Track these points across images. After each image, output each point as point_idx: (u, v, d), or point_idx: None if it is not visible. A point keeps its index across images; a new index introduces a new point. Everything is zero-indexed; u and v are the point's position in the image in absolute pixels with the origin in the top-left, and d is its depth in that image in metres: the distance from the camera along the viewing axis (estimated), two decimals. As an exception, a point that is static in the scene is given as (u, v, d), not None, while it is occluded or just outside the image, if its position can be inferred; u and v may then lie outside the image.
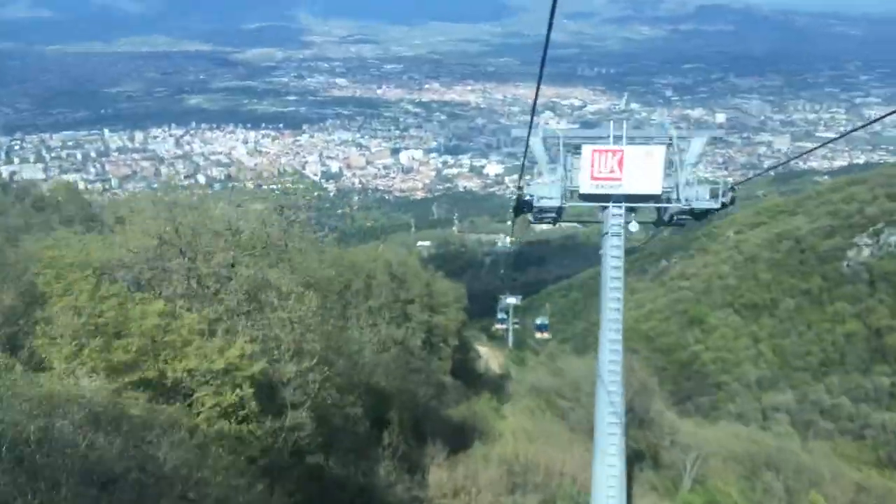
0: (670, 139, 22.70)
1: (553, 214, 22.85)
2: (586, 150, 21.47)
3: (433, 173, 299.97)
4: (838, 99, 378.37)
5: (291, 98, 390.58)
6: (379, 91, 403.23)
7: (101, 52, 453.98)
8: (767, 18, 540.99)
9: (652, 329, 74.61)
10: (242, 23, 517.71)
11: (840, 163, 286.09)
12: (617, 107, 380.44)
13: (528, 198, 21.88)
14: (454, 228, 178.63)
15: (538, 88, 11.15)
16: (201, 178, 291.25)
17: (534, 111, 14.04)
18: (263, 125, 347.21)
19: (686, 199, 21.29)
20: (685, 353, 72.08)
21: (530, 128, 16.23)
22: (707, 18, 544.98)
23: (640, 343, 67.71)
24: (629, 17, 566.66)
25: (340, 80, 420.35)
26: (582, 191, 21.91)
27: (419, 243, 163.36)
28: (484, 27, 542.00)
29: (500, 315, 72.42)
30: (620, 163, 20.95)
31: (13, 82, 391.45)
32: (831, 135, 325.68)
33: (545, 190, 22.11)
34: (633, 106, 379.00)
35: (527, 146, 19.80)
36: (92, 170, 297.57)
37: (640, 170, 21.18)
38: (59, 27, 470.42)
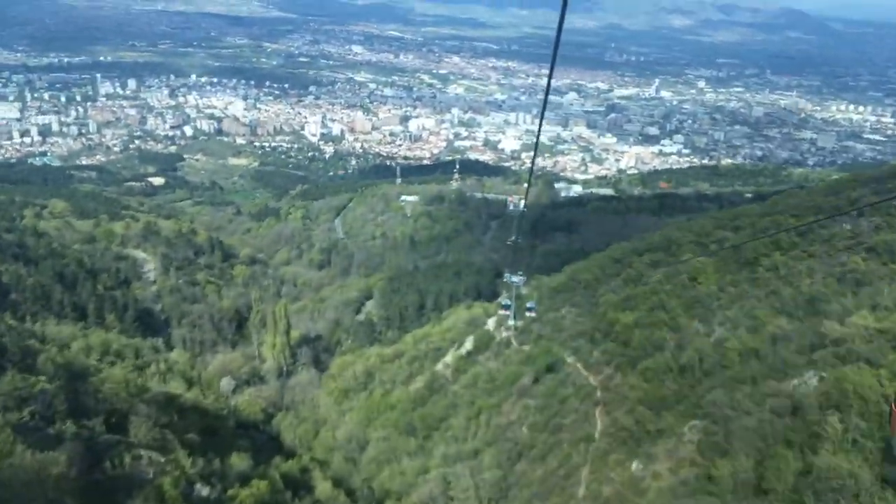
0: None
1: None
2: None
3: (444, 143, 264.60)
4: (883, 103, 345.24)
5: (302, 59, 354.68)
6: (395, 59, 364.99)
7: (115, 4, 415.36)
8: (803, 21, 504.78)
9: None
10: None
11: None
12: (646, 93, 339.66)
13: None
14: (453, 182, 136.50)
15: (552, 68, 8.98)
16: (188, 130, 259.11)
17: (548, 91, 10.88)
18: (268, 83, 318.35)
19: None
20: None
21: (544, 107, 11.47)
22: (741, 16, 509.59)
23: None
24: (660, 7, 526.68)
25: (356, 48, 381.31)
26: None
27: (403, 198, 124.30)
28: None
29: (504, 301, 51.58)
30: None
31: (16, 25, 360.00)
32: (879, 137, 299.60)
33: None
34: (664, 94, 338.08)
35: (541, 122, 13.00)
36: (73, 113, 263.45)
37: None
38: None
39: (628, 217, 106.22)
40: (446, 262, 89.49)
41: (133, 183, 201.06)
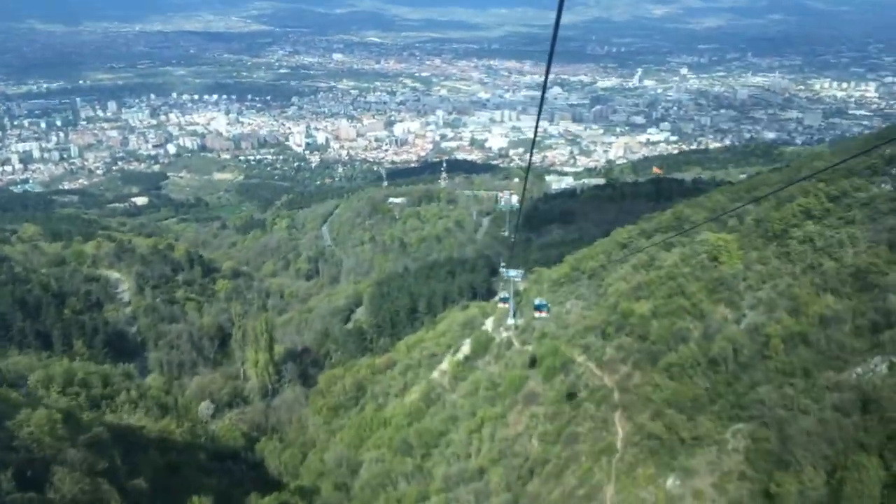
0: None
1: None
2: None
3: (430, 146, 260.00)
4: (866, 78, 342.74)
5: (283, 71, 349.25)
6: (377, 66, 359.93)
7: (92, 29, 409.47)
8: (782, 3, 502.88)
9: None
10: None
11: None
12: (629, 83, 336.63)
13: None
14: (441, 181, 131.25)
15: (548, 66, 9.35)
16: (171, 148, 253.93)
17: (544, 90, 10.68)
18: (250, 97, 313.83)
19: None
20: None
21: (542, 99, 11.45)
22: (721, 2, 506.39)
23: None
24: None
25: (337, 56, 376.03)
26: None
27: (391, 200, 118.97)
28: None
29: (502, 294, 47.32)
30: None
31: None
32: (864, 112, 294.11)
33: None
34: (647, 83, 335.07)
35: (538, 115, 12.26)
36: (53, 139, 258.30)
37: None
38: (54, 5, 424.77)
39: (624, 204, 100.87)
40: (438, 261, 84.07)
41: (116, 204, 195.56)
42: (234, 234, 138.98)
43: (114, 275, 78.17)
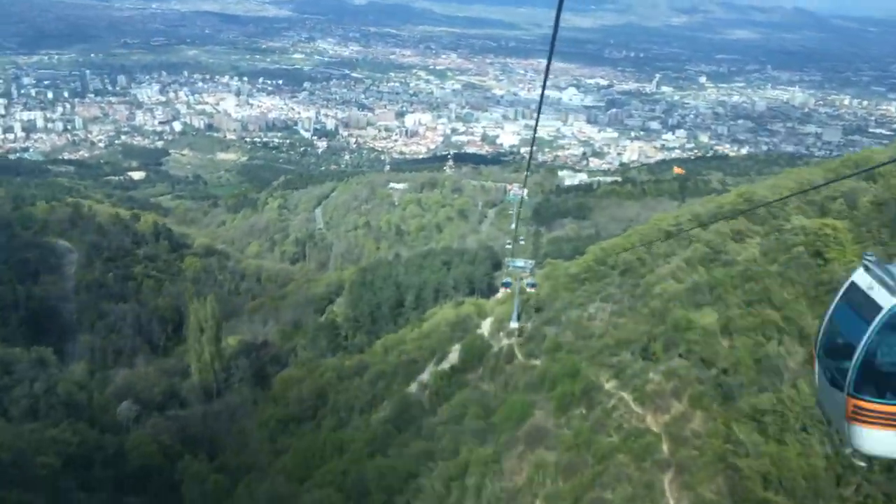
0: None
1: None
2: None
3: (440, 138, 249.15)
4: (887, 97, 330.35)
5: (298, 56, 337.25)
6: (392, 56, 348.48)
7: (108, 4, 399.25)
8: (804, 18, 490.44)
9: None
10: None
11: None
12: (646, 89, 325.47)
13: None
14: (446, 168, 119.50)
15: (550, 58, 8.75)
16: (177, 126, 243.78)
17: (545, 82, 10.95)
18: (261, 80, 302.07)
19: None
20: None
21: (541, 99, 11.28)
22: (739, 14, 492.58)
23: None
24: (657, 4, 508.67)
25: (353, 45, 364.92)
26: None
27: (392, 185, 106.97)
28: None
29: (506, 279, 46.88)
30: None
31: (7, 24, 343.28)
32: (885, 130, 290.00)
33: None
34: (664, 89, 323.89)
35: (538, 114, 13.35)
36: (59, 109, 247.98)
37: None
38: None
39: (646, 201, 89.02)
40: (434, 250, 72.00)
41: (112, 177, 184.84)
42: (224, 213, 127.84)
43: (62, 244, 66.75)
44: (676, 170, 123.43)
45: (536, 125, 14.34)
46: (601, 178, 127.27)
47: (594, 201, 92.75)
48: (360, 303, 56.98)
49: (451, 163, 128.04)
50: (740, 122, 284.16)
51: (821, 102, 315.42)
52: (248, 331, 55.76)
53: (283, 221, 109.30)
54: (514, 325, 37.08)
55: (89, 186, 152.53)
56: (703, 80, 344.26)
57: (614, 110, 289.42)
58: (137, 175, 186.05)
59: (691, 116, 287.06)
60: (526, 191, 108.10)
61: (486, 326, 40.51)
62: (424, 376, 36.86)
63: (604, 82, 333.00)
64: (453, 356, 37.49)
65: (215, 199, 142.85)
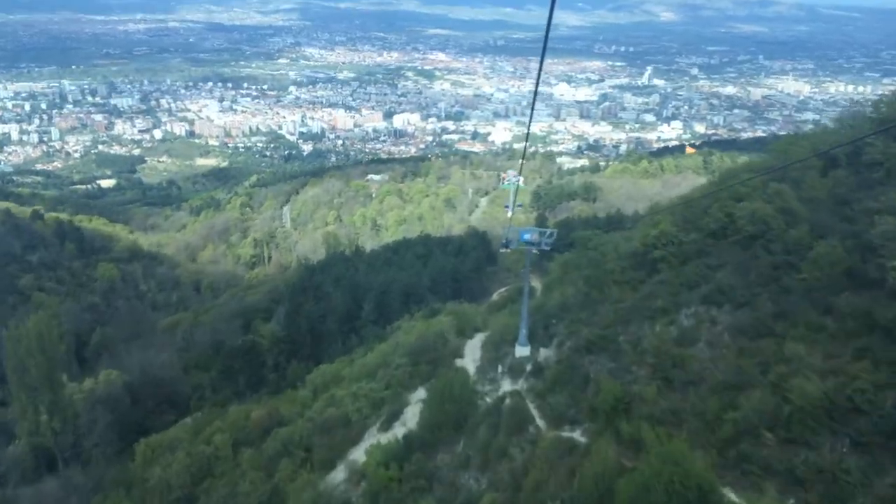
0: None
1: None
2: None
3: (430, 138, 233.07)
4: (882, 83, 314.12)
5: (283, 61, 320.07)
6: (379, 58, 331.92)
7: (91, 18, 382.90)
8: (790, 8, 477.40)
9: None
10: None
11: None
12: (638, 82, 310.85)
13: None
14: (432, 158, 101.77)
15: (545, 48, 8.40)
16: (157, 134, 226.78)
17: (538, 79, 10.30)
18: (245, 85, 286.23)
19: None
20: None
21: (535, 94, 11.47)
22: (727, 6, 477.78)
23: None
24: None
25: (339, 49, 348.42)
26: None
27: (370, 177, 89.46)
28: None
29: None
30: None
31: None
32: None
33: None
34: (657, 82, 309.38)
35: (532, 110, 12.50)
36: (36, 121, 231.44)
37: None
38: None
39: (665, 178, 71.71)
40: (408, 240, 53.92)
41: (80, 186, 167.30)
42: (187, 216, 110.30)
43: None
44: (689, 150, 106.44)
45: (532, 110, 10.79)
46: (607, 161, 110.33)
47: (604, 182, 75.41)
48: (298, 316, 39.30)
49: (437, 152, 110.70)
50: (736, 111, 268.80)
51: (816, 90, 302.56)
52: (145, 359, 38.19)
53: (246, 221, 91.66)
54: (522, 350, 19.56)
55: (50, 197, 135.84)
56: (694, 71, 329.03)
57: (607, 104, 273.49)
58: (106, 183, 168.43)
59: (685, 108, 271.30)
60: (522, 178, 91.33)
61: (471, 352, 23.04)
62: (358, 454, 19.32)
63: (595, 77, 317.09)
64: (413, 411, 20.02)
65: (180, 203, 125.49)
